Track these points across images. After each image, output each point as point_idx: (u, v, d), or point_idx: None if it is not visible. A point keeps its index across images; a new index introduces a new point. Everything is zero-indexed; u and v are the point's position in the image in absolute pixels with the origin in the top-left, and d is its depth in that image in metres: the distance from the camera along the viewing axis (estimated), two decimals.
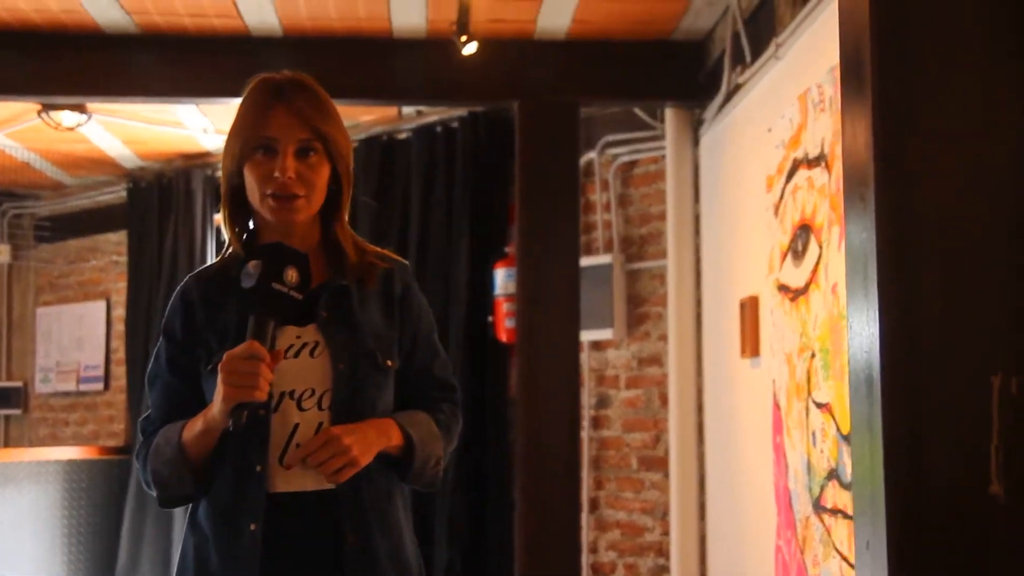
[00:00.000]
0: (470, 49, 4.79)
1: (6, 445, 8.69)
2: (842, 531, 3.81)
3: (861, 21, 1.92)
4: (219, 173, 7.40)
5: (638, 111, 6.03)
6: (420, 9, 5.06)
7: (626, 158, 6.16)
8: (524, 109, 5.53)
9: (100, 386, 8.60)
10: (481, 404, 6.18)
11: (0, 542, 7.37)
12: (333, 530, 2.35)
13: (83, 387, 8.68)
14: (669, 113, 5.85)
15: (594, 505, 6.14)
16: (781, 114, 4.45)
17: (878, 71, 1.88)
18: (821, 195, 3.99)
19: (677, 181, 5.83)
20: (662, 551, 5.90)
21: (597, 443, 6.17)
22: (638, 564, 6.01)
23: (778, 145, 4.48)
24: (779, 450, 4.47)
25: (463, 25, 4.75)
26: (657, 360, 5.98)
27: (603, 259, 6.07)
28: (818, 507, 4.02)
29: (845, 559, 3.78)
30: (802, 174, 4.19)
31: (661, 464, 5.93)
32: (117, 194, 8.45)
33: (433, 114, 6.60)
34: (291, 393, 2.36)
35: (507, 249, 6.24)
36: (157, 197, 8.04)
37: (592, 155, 6.20)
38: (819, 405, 4.00)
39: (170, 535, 7.68)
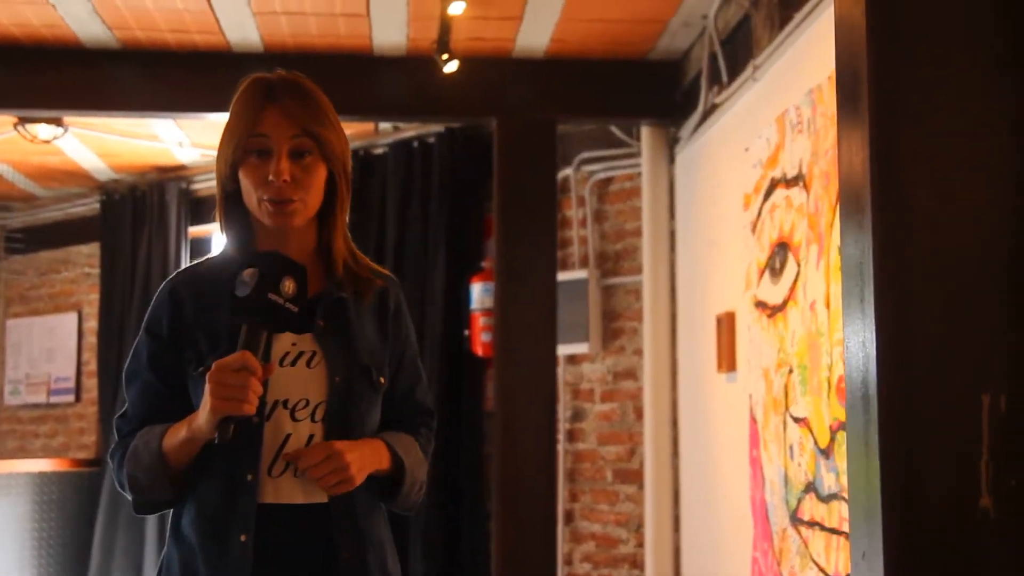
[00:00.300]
0: (451, 67, 4.82)
1: None
2: (819, 543, 3.81)
3: (858, 42, 1.92)
4: (194, 186, 7.51)
5: (614, 129, 6.06)
6: (401, 27, 5.08)
7: (602, 175, 6.17)
8: (502, 126, 5.54)
9: (71, 398, 8.51)
10: (457, 417, 6.21)
11: None
12: (325, 545, 2.29)
13: (54, 399, 8.60)
14: (645, 131, 5.86)
15: (569, 517, 6.15)
16: (759, 134, 4.47)
17: (874, 91, 1.88)
18: (799, 214, 4.00)
19: (653, 198, 5.83)
20: (636, 563, 5.91)
21: (572, 456, 6.17)
22: None
23: (755, 164, 4.50)
24: (755, 463, 4.48)
25: (444, 44, 4.79)
26: (632, 374, 6.00)
27: (579, 274, 6.08)
28: (795, 519, 4.02)
29: (823, 570, 3.78)
30: (780, 193, 4.22)
31: (636, 477, 5.95)
32: (90, 206, 8.39)
33: (410, 129, 6.61)
34: (284, 402, 2.28)
35: (483, 263, 6.26)
36: (131, 210, 7.99)
37: (568, 171, 6.20)
38: (797, 419, 4.01)
39: (142, 548, 7.64)
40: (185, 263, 7.74)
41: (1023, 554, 1.80)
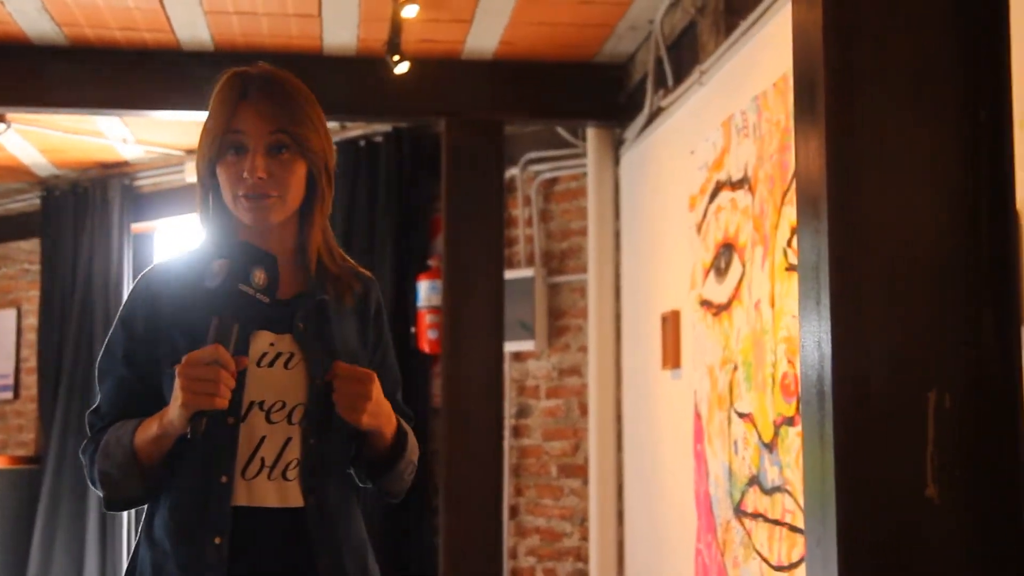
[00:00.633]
0: (402, 68, 4.81)
1: None
2: (763, 534, 3.86)
3: (815, 51, 1.94)
4: (138, 182, 7.48)
5: (560, 130, 6.09)
6: (352, 28, 5.09)
7: (548, 175, 6.19)
8: (450, 126, 5.55)
9: (10, 395, 8.43)
10: None
11: None
12: (303, 549, 2.21)
13: None
14: (591, 132, 5.89)
15: (514, 512, 6.15)
16: (704, 138, 4.50)
17: (830, 96, 1.90)
18: (744, 216, 4.05)
19: (598, 198, 5.86)
20: (581, 556, 5.95)
21: (517, 451, 6.18)
22: (557, 569, 6.04)
23: (701, 167, 4.53)
24: (700, 458, 4.52)
25: (395, 45, 4.81)
26: (577, 371, 6.03)
27: (525, 272, 6.11)
28: (739, 512, 4.07)
29: (765, 560, 3.82)
30: (725, 195, 4.26)
31: (580, 471, 5.98)
32: (30, 202, 8.31)
33: (356, 128, 6.59)
34: (260, 404, 2.21)
35: (430, 261, 6.26)
36: (72, 206, 7.91)
37: (515, 171, 6.21)
38: (741, 415, 4.06)
39: (83, 546, 7.58)
40: (127, 259, 7.75)
41: (965, 538, 1.84)
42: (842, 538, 1.85)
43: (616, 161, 5.86)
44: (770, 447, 3.80)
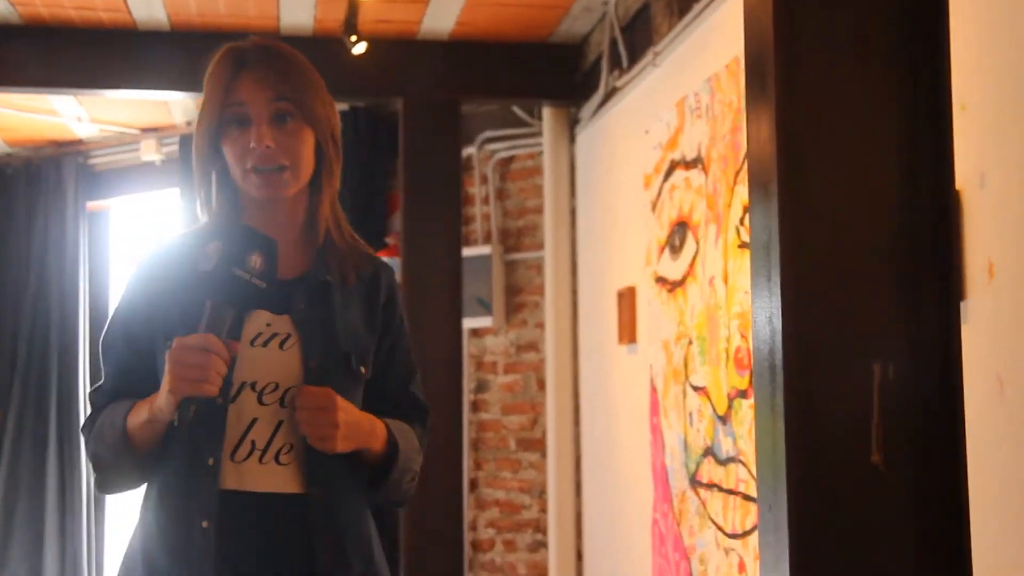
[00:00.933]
0: (359, 49, 4.74)
1: None
2: (717, 503, 3.89)
3: (765, 34, 1.97)
4: (92, 160, 7.43)
5: (516, 109, 6.10)
6: (308, 8, 5.08)
7: (504, 154, 6.18)
8: (408, 106, 5.55)
9: None
10: None
11: None
12: (303, 540, 2.12)
13: None
14: (546, 112, 5.89)
15: (473, 485, 6.15)
16: (659, 118, 4.52)
17: (780, 79, 1.93)
18: (698, 195, 4.08)
19: (554, 176, 5.87)
20: (539, 527, 5.98)
21: (476, 426, 6.18)
22: (516, 540, 6.05)
23: (655, 146, 4.55)
24: (656, 430, 4.55)
25: (352, 26, 4.81)
26: (534, 346, 6.05)
27: (482, 250, 6.11)
28: (694, 482, 4.10)
29: (720, 528, 3.86)
30: (679, 174, 4.28)
31: (538, 445, 6.01)
32: None
33: None
34: (253, 385, 2.12)
35: (388, 239, 6.25)
36: (25, 184, 7.81)
37: (471, 150, 6.20)
38: (696, 388, 4.09)
39: (43, 515, 7.49)
40: (83, 238, 7.68)
41: (908, 502, 1.90)
42: (792, 504, 1.90)
43: (572, 140, 5.87)
44: (724, 419, 3.85)
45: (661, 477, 4.52)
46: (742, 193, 3.63)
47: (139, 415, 2.11)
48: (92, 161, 7.84)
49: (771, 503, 1.96)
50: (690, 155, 4.20)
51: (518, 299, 6.16)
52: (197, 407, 2.03)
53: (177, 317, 2.12)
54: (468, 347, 6.18)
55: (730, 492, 3.81)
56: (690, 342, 4.19)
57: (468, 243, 6.14)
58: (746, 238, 3.56)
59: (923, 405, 1.93)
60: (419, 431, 2.36)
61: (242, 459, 2.12)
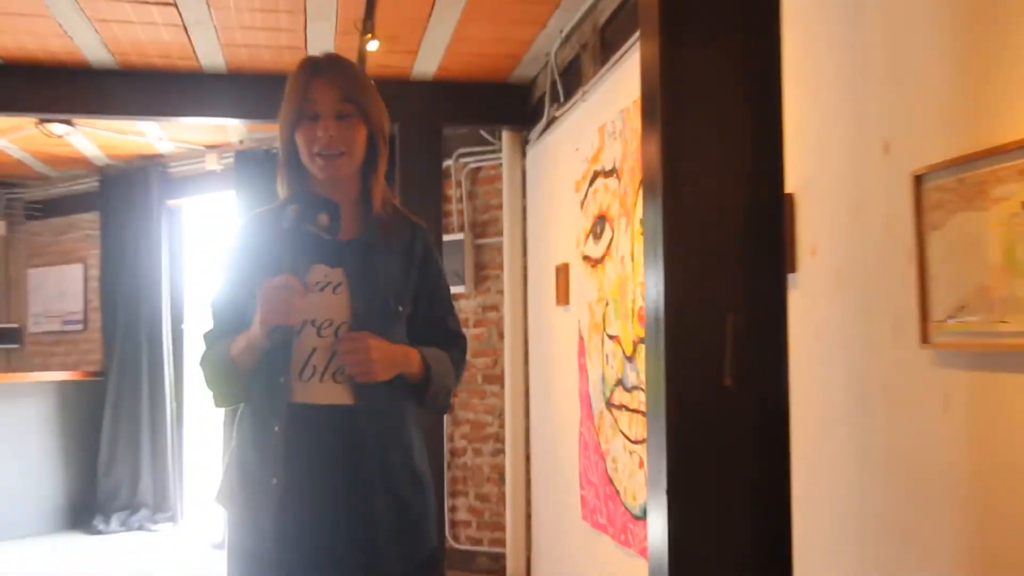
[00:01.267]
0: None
1: (8, 371, 8.38)
2: (625, 420, 3.91)
3: (654, 82, 1.98)
4: (169, 169, 7.39)
5: (482, 132, 6.06)
6: (329, 47, 4.96)
7: (473, 165, 6.15)
8: (402, 129, 5.47)
9: (80, 327, 8.34)
10: None
11: (11, 443, 7.22)
12: (351, 442, 2.03)
13: (66, 328, 8.41)
14: (505, 134, 5.87)
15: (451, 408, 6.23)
16: (585, 139, 4.49)
17: (662, 112, 1.95)
18: (613, 196, 4.08)
19: (510, 182, 5.85)
20: (499, 439, 6.02)
21: None
22: (482, 448, 6.06)
23: (583, 161, 4.53)
24: (582, 368, 4.56)
25: (361, 70, 4.80)
26: (495, 307, 6.05)
27: (457, 236, 6.09)
28: (609, 404, 4.13)
29: (627, 437, 3.90)
30: (600, 181, 4.27)
31: (498, 380, 6.02)
32: (91, 184, 8.18)
33: None
34: (313, 322, 2.06)
35: None
36: (122, 186, 7.84)
37: (449, 162, 6.16)
38: (611, 337, 4.10)
39: (138, 435, 7.55)
40: (163, 226, 7.69)
41: (749, 411, 1.94)
42: (669, 416, 1.95)
43: (523, 155, 5.85)
44: (630, 359, 3.87)
45: (586, 401, 4.52)
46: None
47: (239, 344, 2.06)
48: (170, 170, 7.85)
49: (655, 415, 2.00)
50: (608, 167, 4.19)
51: (483, 272, 6.14)
52: (282, 336, 1.99)
53: (265, 266, 2.06)
54: None
55: (633, 411, 3.83)
56: (607, 303, 4.18)
57: (447, 231, 6.12)
58: None
59: (761, 344, 1.96)
60: (455, 355, 2.25)
61: (307, 379, 2.05)
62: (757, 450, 1.96)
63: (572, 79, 4.87)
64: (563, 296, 4.93)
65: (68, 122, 6.56)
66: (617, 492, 4.05)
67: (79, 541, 7.20)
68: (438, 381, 2.14)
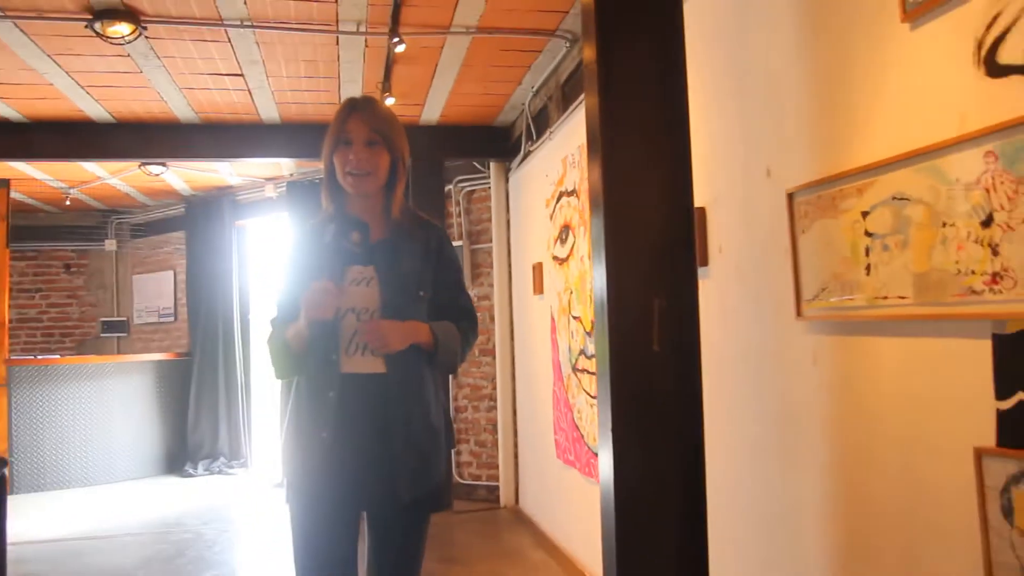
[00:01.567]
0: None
1: (119, 353, 8.42)
2: (587, 380, 3.90)
3: (595, 121, 2.00)
4: (238, 197, 7.37)
5: (475, 163, 6.01)
6: (358, 91, 4.86)
7: (468, 188, 6.10)
8: (413, 163, 5.31)
9: (172, 319, 8.33)
10: None
11: (123, 408, 7.22)
12: (383, 401, 1.99)
13: (161, 320, 8.40)
14: (492, 165, 5.83)
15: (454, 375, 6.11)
16: (553, 168, 4.47)
17: (601, 146, 1.97)
18: (575, 210, 4.06)
19: (496, 201, 5.83)
20: (492, 398, 5.97)
21: None
22: (479, 405, 6.01)
23: (551, 184, 4.51)
24: (554, 342, 4.53)
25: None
26: (488, 297, 5.98)
27: (458, 243, 6.04)
28: (575, 369, 4.11)
29: (588, 393, 3.89)
30: (564, 200, 4.24)
31: (491, 352, 5.95)
32: (178, 210, 8.17)
33: None
34: (353, 309, 2.01)
35: None
36: (202, 211, 7.82)
37: (450, 187, 6.12)
38: (575, 317, 4.08)
39: (217, 402, 7.53)
40: (233, 242, 7.62)
41: (671, 369, 1.95)
42: (612, 374, 1.96)
43: (507, 180, 5.81)
44: (590, 334, 3.84)
45: (557, 367, 4.50)
46: None
47: (291, 331, 2.01)
48: (238, 198, 7.80)
49: (603, 374, 2.00)
50: (570, 188, 4.17)
51: (478, 270, 6.07)
52: (321, 325, 1.96)
53: (310, 270, 2.02)
54: None
55: (593, 373, 3.78)
56: (571, 292, 4.16)
57: (450, 239, 6.10)
58: None
59: (680, 320, 1.97)
60: (464, 325, 2.15)
61: (352, 354, 2.00)
62: (678, 398, 1.96)
63: (542, 122, 4.87)
64: (538, 287, 4.90)
65: (163, 164, 6.57)
66: (582, 436, 4.02)
67: (174, 483, 7.20)
68: (444, 346, 2.06)
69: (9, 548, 3.31)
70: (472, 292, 6.06)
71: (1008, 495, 1.39)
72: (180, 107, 5.00)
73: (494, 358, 5.95)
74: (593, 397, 3.84)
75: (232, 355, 7.66)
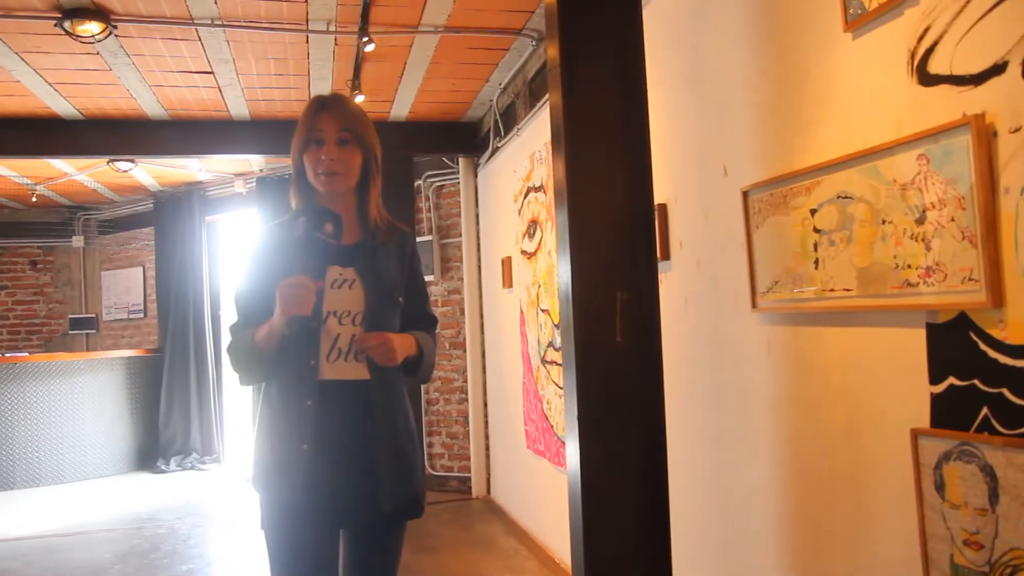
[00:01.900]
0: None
1: (88, 350, 8.34)
2: (555, 372, 3.95)
3: (559, 117, 2.01)
4: (207, 193, 7.33)
5: (444, 158, 6.00)
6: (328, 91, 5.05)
7: (438, 183, 6.08)
8: (383, 159, 5.50)
9: (142, 315, 8.27)
10: None
11: (93, 405, 7.17)
12: (365, 407, 1.89)
13: (131, 316, 8.33)
14: (461, 160, 5.83)
15: None
16: (521, 163, 4.50)
17: (565, 143, 1.98)
18: (542, 206, 4.09)
19: (465, 196, 5.81)
20: (463, 391, 5.98)
21: None
22: (451, 398, 6.02)
23: (519, 179, 4.52)
24: (523, 335, 4.55)
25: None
26: (458, 291, 6.00)
27: (427, 237, 6.04)
28: (544, 361, 4.15)
29: (556, 384, 3.93)
30: (532, 195, 4.27)
31: (461, 345, 5.97)
32: (147, 205, 8.10)
33: None
34: (334, 313, 1.91)
35: None
36: (171, 206, 7.76)
37: (419, 182, 6.12)
38: (543, 310, 4.12)
39: (189, 398, 7.49)
40: (203, 237, 7.55)
41: (633, 360, 1.98)
42: (577, 364, 1.99)
43: (475, 176, 5.80)
44: (558, 326, 3.83)
45: (527, 359, 4.51)
46: None
47: (262, 331, 1.89)
48: (207, 193, 7.74)
49: (569, 364, 2.03)
50: (537, 184, 4.19)
51: (448, 264, 6.08)
52: (299, 324, 1.84)
53: (281, 268, 1.91)
54: None
55: (561, 365, 3.80)
56: (539, 285, 4.18)
57: (419, 234, 6.07)
58: None
59: (642, 312, 1.99)
60: (433, 332, 2.12)
61: (334, 359, 1.90)
62: (640, 386, 1.99)
63: (510, 119, 4.87)
64: (507, 281, 4.90)
65: (131, 160, 6.52)
66: (551, 426, 4.04)
67: (147, 479, 7.17)
68: (427, 359, 2.03)
69: None
70: (442, 286, 6.07)
71: (940, 472, 1.49)
72: (150, 104, 4.98)
73: (464, 351, 5.95)
74: (560, 387, 3.88)
75: (203, 351, 7.62)
